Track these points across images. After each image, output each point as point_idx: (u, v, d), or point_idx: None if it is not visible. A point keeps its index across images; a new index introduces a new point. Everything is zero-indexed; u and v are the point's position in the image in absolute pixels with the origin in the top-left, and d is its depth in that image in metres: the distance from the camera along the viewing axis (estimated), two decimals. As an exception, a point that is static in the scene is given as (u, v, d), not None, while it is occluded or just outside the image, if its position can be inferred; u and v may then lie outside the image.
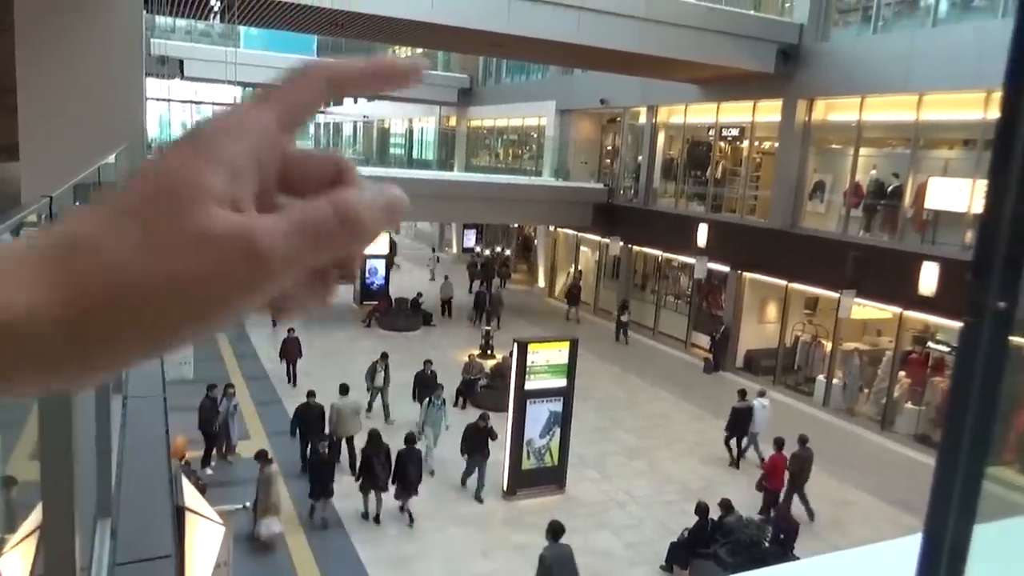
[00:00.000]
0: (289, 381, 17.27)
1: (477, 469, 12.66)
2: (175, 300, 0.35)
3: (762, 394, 15.67)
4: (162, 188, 0.36)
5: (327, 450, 11.97)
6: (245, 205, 0.37)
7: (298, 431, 13.27)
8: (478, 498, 12.62)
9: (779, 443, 12.73)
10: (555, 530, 9.52)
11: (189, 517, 3.98)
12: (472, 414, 16.22)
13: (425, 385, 14.93)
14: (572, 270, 29.04)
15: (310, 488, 11.59)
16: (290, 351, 17.35)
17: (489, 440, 12.65)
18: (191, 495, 4.32)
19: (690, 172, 23.98)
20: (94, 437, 3.03)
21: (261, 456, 11.18)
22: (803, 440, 12.84)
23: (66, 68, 6.96)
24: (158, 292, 0.34)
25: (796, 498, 12.44)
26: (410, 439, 11.96)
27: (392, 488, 11.67)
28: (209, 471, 12.54)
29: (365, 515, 11.74)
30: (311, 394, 13.39)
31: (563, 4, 16.78)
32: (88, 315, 0.34)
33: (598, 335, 23.18)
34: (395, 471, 11.61)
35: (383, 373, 15.69)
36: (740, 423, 14.73)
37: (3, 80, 6.58)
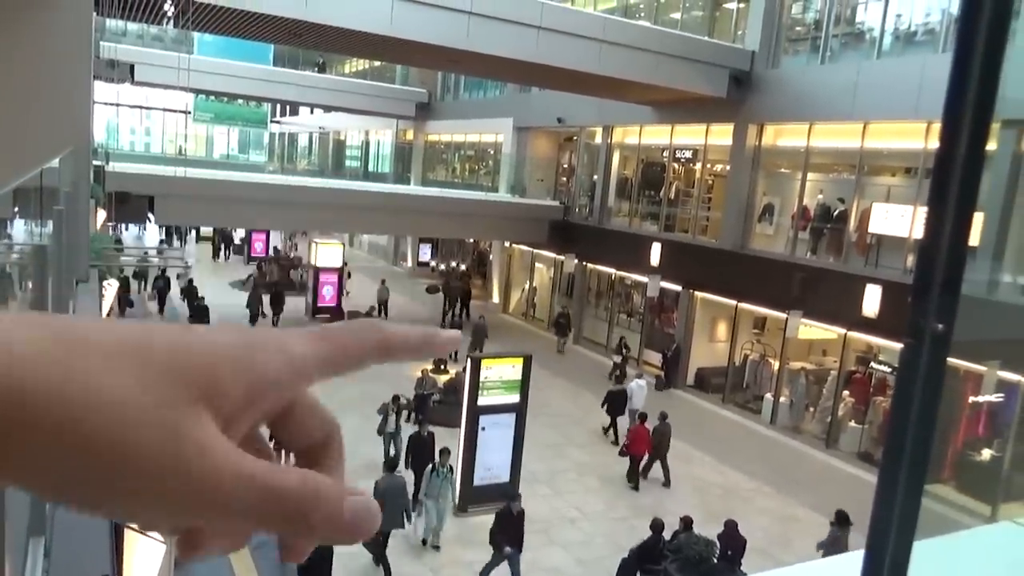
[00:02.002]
0: None
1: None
2: (112, 459, 0.31)
3: (639, 376, 17.79)
4: (185, 363, 0.34)
5: None
6: (238, 429, 0.36)
7: None
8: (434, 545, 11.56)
9: (642, 417, 15.06)
10: (391, 465, 11.32)
11: (128, 535, 3.84)
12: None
13: (423, 449, 12.61)
14: (550, 300, 29.01)
15: None
16: None
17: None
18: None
19: (644, 192, 24.34)
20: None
21: None
22: (663, 416, 14.76)
23: (9, 69, 6.75)
24: (102, 440, 0.31)
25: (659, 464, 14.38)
26: (391, 465, 11.45)
27: None
28: None
29: None
30: None
31: (522, 23, 16.94)
32: (28, 424, 0.30)
33: (549, 349, 23.24)
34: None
35: (394, 417, 14.27)
36: (614, 403, 16.67)
37: (-58, 79, 6.33)
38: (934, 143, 0.94)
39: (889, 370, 16.54)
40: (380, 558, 10.52)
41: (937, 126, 0.90)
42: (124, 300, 21.77)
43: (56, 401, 0.31)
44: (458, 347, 0.45)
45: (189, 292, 23.67)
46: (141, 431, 0.32)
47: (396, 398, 14.69)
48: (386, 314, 25.89)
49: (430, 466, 11.71)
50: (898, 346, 0.94)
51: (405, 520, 10.99)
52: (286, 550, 0.41)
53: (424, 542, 11.61)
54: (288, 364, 0.37)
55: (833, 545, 10.82)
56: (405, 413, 14.94)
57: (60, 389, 0.31)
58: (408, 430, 13.95)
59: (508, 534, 10.51)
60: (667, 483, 14.52)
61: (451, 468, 11.84)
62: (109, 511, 0.34)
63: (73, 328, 0.33)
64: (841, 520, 10.98)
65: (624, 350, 21.87)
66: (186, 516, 0.35)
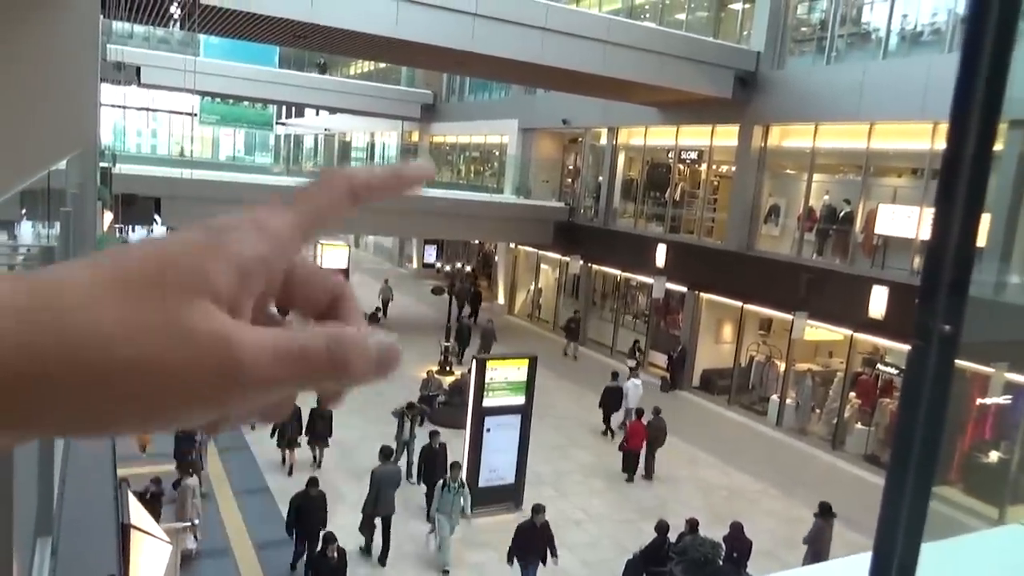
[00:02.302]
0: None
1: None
2: (132, 383, 0.32)
3: (635, 375, 18.17)
4: (165, 267, 0.34)
5: (336, 554, 9.71)
6: (242, 312, 0.36)
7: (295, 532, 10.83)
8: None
9: (639, 413, 15.31)
10: (386, 453, 11.54)
11: (135, 535, 3.85)
12: (429, 430, 16.17)
13: (434, 461, 12.36)
14: (567, 304, 28.85)
15: None
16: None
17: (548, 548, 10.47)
18: (137, 513, 4.19)
19: (649, 193, 24.31)
20: (36, 449, 2.92)
21: (182, 468, 11.05)
22: (657, 411, 15.38)
23: (16, 71, 6.78)
24: (117, 369, 0.32)
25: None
26: (386, 453, 11.62)
27: None
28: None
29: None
30: (312, 482, 11.09)
31: (527, 24, 16.95)
32: (36, 377, 0.31)
33: (555, 350, 23.22)
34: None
35: (409, 425, 14.04)
36: (610, 400, 17.22)
37: (-50, 81, 6.37)
38: (941, 144, 0.94)
39: (896, 372, 16.48)
40: (371, 543, 11.12)
41: (944, 127, 0.90)
42: None
43: (56, 347, 0.31)
44: (431, 175, 0.45)
45: None
46: (150, 347, 0.32)
47: (411, 405, 14.25)
48: (386, 315, 26.23)
49: (441, 481, 11.40)
50: (905, 347, 0.94)
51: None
52: (325, 399, 0.43)
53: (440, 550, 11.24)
54: (268, 238, 0.38)
55: (817, 537, 11.01)
56: (419, 419, 14.48)
57: (58, 334, 0.31)
58: (423, 437, 13.52)
59: (529, 547, 10.21)
60: (648, 476, 15.04)
61: (463, 483, 11.49)
62: (154, 424, 0.35)
63: (46, 275, 0.33)
64: (824, 511, 11.15)
65: (638, 353, 21.68)
66: (226, 407, 0.35)
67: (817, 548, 11.05)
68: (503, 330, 25.93)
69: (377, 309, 24.73)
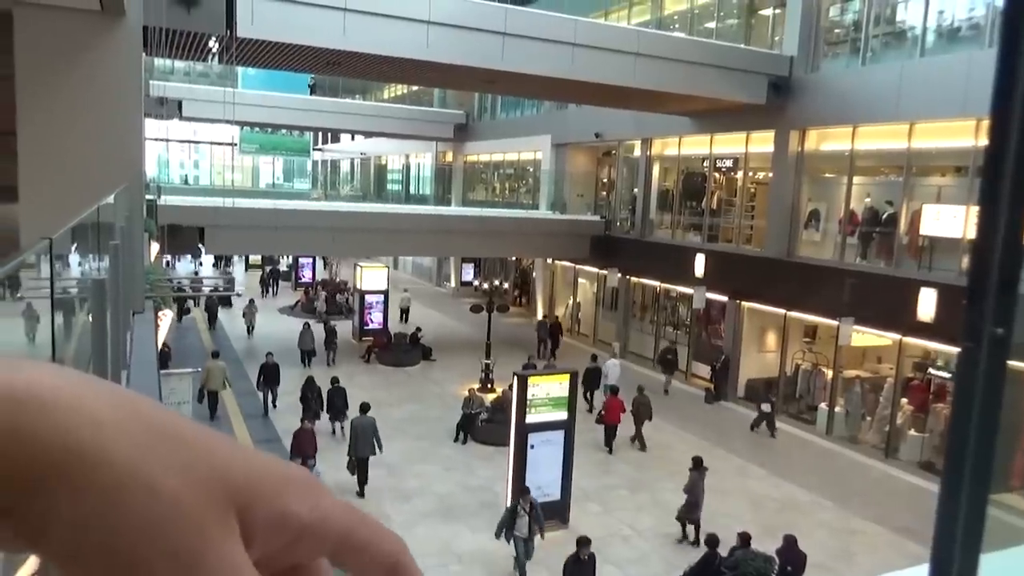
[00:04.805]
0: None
1: None
2: (124, 547, 0.30)
3: (614, 355, 20.83)
4: (224, 467, 0.33)
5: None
6: (254, 552, 0.34)
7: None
8: None
9: (614, 390, 17.43)
10: (364, 407, 14.21)
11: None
12: (472, 448, 16.21)
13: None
14: (657, 328, 28.75)
15: None
16: (302, 445, 13.97)
17: None
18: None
19: (686, 203, 24.13)
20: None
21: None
22: (640, 389, 17.08)
23: (66, 111, 7.04)
24: (125, 527, 0.30)
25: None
26: (364, 408, 14.04)
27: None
28: None
29: None
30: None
31: (557, 40, 17.04)
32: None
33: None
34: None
35: (527, 519, 11.35)
36: (590, 379, 18.93)
37: (3, 123, 6.64)
38: (984, 140, 0.92)
39: (948, 376, 16.01)
40: (360, 481, 13.78)
41: (986, 123, 0.88)
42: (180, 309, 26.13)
43: (108, 468, 0.30)
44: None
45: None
46: (171, 523, 0.31)
47: (526, 490, 11.61)
48: (407, 320, 28.44)
49: (511, 504, 11.36)
50: (956, 350, 0.91)
51: (376, 448, 13.90)
52: None
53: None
54: (313, 509, 0.35)
55: (694, 488, 12.71)
56: (534, 509, 11.47)
57: (122, 459, 0.30)
58: (455, 449, 13.90)
59: None
60: (643, 448, 16.71)
61: (534, 505, 11.21)
62: None
63: (153, 410, 0.33)
64: (697, 465, 12.89)
65: (772, 397, 18.75)
66: None
67: (693, 498, 12.68)
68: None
69: (418, 329, 24.86)
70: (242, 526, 0.33)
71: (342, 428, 15.94)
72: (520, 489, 11.61)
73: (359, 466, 13.77)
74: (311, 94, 37.94)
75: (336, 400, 16.34)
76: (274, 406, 17.94)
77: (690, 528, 12.68)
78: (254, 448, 0.36)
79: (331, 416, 16.33)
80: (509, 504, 11.71)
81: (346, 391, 16.46)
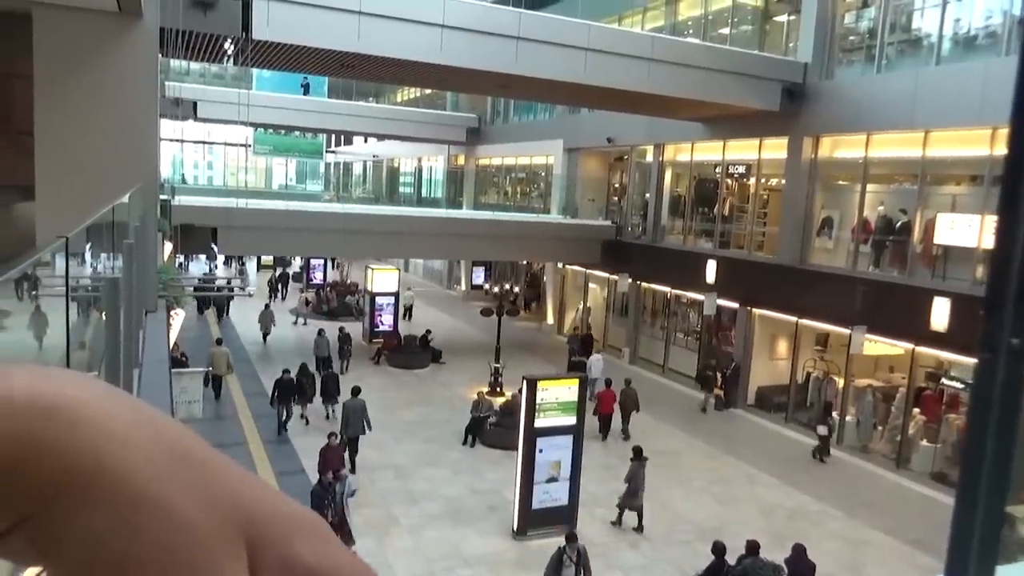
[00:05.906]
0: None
1: None
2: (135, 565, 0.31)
3: (598, 351, 22.34)
4: (239, 498, 0.34)
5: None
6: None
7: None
8: None
9: (607, 382, 17.92)
10: (355, 390, 15.35)
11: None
12: (480, 451, 16.21)
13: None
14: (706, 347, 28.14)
15: None
16: (331, 459, 13.14)
17: None
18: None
19: (698, 209, 24.06)
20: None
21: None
22: (628, 382, 18.28)
23: (83, 111, 7.10)
24: (139, 543, 0.31)
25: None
26: (355, 391, 14.99)
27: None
28: None
29: None
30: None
31: (570, 45, 17.04)
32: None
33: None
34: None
35: (572, 569, 10.80)
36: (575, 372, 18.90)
37: (21, 123, 6.70)
38: (1001, 149, 0.91)
39: (961, 386, 15.86)
40: (351, 458, 14.63)
41: (1004, 131, 0.87)
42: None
43: (127, 486, 0.31)
44: None
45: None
46: (184, 546, 0.31)
47: (573, 537, 10.96)
48: (411, 318, 29.24)
49: (557, 552, 10.65)
50: (970, 361, 0.91)
51: (366, 427, 14.97)
52: None
53: None
54: (323, 557, 0.36)
55: (634, 476, 13.24)
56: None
57: (143, 479, 0.31)
58: (462, 452, 13.93)
59: None
60: (627, 437, 17.29)
61: (579, 552, 10.60)
62: None
63: (177, 433, 0.34)
64: (637, 455, 13.44)
65: (830, 420, 17.71)
66: None
67: (634, 486, 13.19)
68: (552, 349, 25.87)
69: (428, 331, 24.88)
70: (250, 560, 0.33)
71: (334, 411, 17.17)
72: (567, 536, 10.87)
73: (350, 444, 14.80)
74: (304, 94, 37.96)
75: (329, 385, 17.67)
76: (285, 429, 16.75)
77: (631, 515, 13.18)
78: (270, 485, 0.37)
79: (324, 400, 17.53)
80: (555, 552, 10.78)
81: (338, 376, 18.10)
